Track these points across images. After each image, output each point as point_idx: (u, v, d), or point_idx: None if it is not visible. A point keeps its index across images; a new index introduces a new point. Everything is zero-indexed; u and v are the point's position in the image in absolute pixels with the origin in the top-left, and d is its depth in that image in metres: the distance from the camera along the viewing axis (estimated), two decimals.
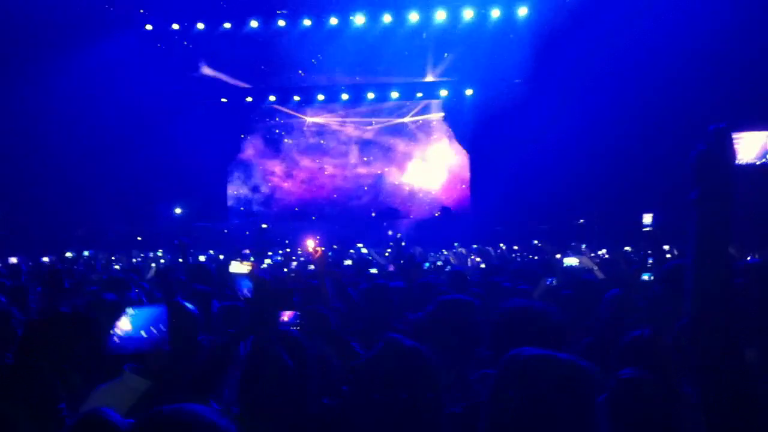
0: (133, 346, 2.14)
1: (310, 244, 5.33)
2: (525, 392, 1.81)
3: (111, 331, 2.10)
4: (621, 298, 4.34)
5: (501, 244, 18.42)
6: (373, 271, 9.40)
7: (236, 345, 3.13)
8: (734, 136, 1.86)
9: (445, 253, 13.78)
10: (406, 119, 25.00)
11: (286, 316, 3.46)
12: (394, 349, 2.32)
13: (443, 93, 24.17)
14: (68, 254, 13.86)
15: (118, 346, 2.13)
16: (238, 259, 5.04)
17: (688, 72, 16.82)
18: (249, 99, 24.99)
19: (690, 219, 1.87)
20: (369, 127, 25.46)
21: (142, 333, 2.18)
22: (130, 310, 2.15)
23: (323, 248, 5.22)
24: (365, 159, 25.60)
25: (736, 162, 1.86)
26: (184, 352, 2.44)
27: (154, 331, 2.16)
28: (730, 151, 1.82)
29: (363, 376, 2.27)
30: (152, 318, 2.17)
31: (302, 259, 12.46)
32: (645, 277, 6.18)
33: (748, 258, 8.61)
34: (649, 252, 9.18)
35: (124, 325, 2.16)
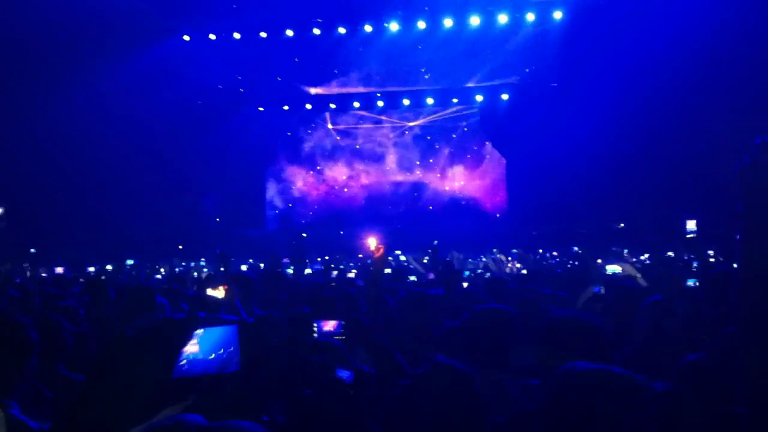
0: (200, 368, 2.16)
1: (372, 242, 4.85)
2: (581, 407, 1.81)
3: (180, 353, 2.11)
4: (660, 304, 4.26)
5: (539, 250, 18.31)
6: (412, 278, 9.38)
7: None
8: None
9: (484, 259, 13.69)
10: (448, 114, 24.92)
11: (330, 325, 3.46)
12: (443, 371, 2.32)
13: (479, 98, 24.08)
14: (108, 267, 14.10)
15: (186, 369, 2.15)
16: (211, 285, 4.80)
17: (733, 77, 16.57)
18: (286, 107, 25.20)
19: (736, 229, 1.87)
20: (408, 132, 25.53)
21: (212, 355, 2.19)
22: (200, 331, 2.17)
23: (384, 246, 4.79)
24: (404, 165, 25.67)
25: None
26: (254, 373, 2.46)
27: (223, 353, 2.18)
28: None
29: (411, 397, 2.27)
30: (223, 338, 2.18)
31: (341, 267, 12.51)
32: (690, 282, 6.09)
33: None
34: (693, 257, 9.04)
35: (193, 346, 2.18)
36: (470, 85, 23.61)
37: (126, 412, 1.67)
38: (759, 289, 1.81)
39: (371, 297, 4.52)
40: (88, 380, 1.72)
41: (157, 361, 1.89)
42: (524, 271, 10.12)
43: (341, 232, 22.19)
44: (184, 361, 2.10)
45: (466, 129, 25.38)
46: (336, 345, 3.03)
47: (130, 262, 14.75)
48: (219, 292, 4.42)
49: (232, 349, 2.14)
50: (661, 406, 2.55)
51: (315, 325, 3.39)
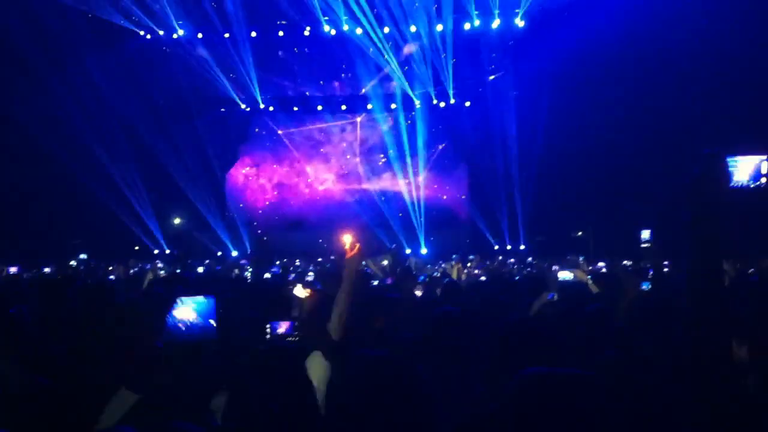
0: (185, 334, 2.18)
1: (348, 239, 4.21)
2: (539, 407, 1.85)
3: (164, 321, 2.12)
4: (602, 311, 4.34)
5: (499, 257, 18.50)
6: (375, 283, 9.37)
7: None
8: (729, 159, 1.92)
9: (443, 264, 13.78)
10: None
11: (282, 327, 3.43)
12: (364, 364, 2.29)
13: (442, 105, 24.24)
14: (72, 262, 13.85)
15: (172, 334, 2.16)
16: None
17: (687, 92, 17.00)
18: (245, 107, 25.04)
19: (684, 238, 1.92)
20: (371, 137, 25.56)
21: (194, 321, 2.21)
22: (181, 300, 2.17)
23: (359, 246, 4.21)
24: (363, 168, 25.67)
25: (731, 185, 1.91)
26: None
27: (203, 323, 2.20)
28: (722, 175, 1.87)
29: (340, 397, 2.25)
30: (202, 310, 2.20)
31: (300, 270, 12.46)
32: (644, 287, 6.19)
33: (749, 271, 8.65)
34: (648, 266, 9.19)
35: (177, 313, 2.19)
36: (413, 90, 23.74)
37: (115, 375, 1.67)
38: (706, 294, 1.86)
39: (340, 300, 4.11)
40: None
41: (145, 326, 1.91)
42: (483, 278, 10.20)
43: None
44: (170, 328, 2.15)
45: (441, 147, 25.46)
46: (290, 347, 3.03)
47: (83, 256, 14.45)
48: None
49: (210, 320, 2.17)
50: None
51: (268, 326, 3.37)
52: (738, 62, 16.05)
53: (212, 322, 2.17)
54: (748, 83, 15.94)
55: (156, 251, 21.89)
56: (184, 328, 2.20)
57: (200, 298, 2.17)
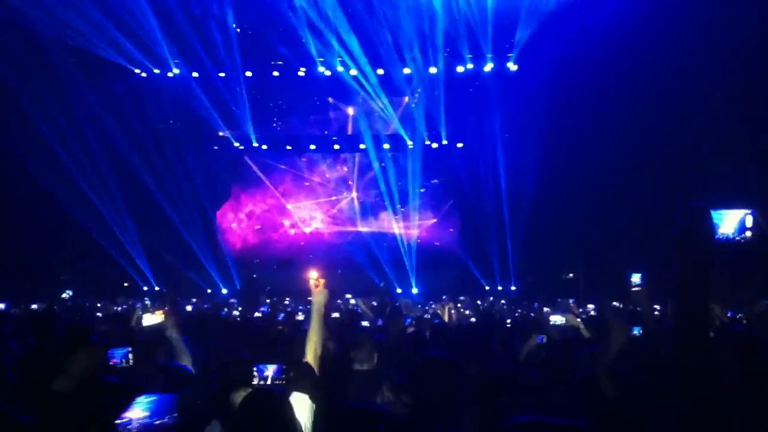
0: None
1: (313, 275, 4.29)
2: None
3: (120, 418, 2.07)
4: (595, 356, 4.31)
5: (490, 297, 18.46)
6: (365, 323, 9.29)
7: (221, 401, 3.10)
8: (714, 213, 1.95)
9: (434, 306, 13.73)
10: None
11: (270, 370, 3.38)
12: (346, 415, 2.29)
13: (434, 145, 24.41)
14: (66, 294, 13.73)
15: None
16: (151, 310, 4.66)
17: (676, 141, 17.25)
18: (239, 145, 25.14)
19: (672, 287, 1.94)
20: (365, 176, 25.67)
21: (153, 421, 2.16)
22: (141, 398, 2.13)
23: (324, 281, 4.30)
24: (354, 207, 25.70)
25: (715, 237, 1.94)
26: None
27: (160, 422, 2.14)
28: (708, 227, 1.90)
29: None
30: (162, 407, 2.15)
31: (289, 309, 12.37)
32: (635, 331, 6.17)
33: (738, 316, 8.67)
34: (638, 309, 9.20)
35: (134, 413, 2.14)
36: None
37: None
38: (691, 342, 1.87)
39: (311, 338, 4.16)
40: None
41: (95, 426, 1.86)
42: (473, 319, 10.16)
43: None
44: (127, 427, 2.07)
45: (434, 183, 25.57)
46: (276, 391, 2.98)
47: (68, 293, 14.33)
48: (156, 317, 4.25)
49: (167, 419, 2.11)
50: None
51: (255, 369, 3.32)
52: (727, 116, 16.32)
53: (167, 420, 2.14)
54: (737, 137, 16.22)
55: (145, 288, 21.74)
56: (139, 428, 2.16)
57: (160, 397, 2.14)
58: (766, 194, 14.36)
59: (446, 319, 10.43)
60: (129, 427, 2.08)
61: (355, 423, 2.19)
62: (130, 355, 3.83)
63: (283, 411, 2.72)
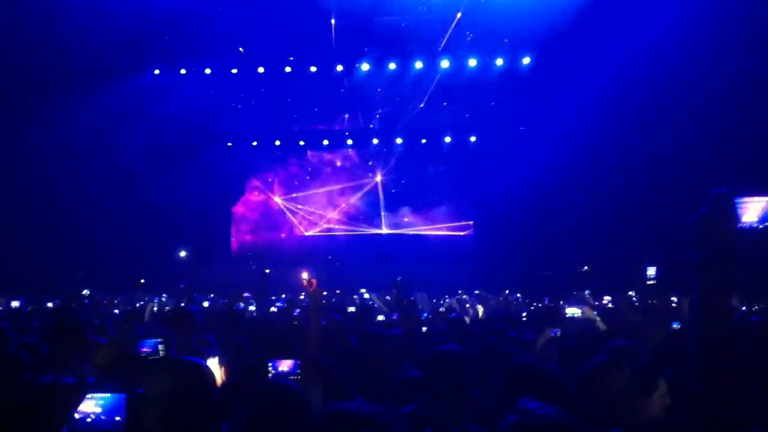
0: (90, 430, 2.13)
1: (305, 276, 4.89)
2: None
3: (68, 418, 2.07)
4: (620, 349, 4.26)
5: (506, 290, 18.40)
6: (381, 318, 9.30)
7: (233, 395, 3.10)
8: (736, 200, 1.92)
9: (448, 300, 13.72)
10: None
11: (285, 365, 3.38)
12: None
13: (447, 140, 24.37)
14: (85, 292, 13.77)
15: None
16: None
17: (696, 130, 17.10)
18: (254, 143, 25.24)
19: (694, 278, 1.91)
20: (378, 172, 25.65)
21: (100, 420, 2.16)
22: (88, 396, 2.13)
23: (316, 281, 4.85)
24: (369, 203, 25.71)
25: (738, 226, 1.91)
26: None
27: (110, 421, 2.14)
28: (731, 216, 1.87)
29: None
30: (111, 406, 2.15)
31: (305, 304, 12.41)
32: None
33: (754, 308, 8.59)
34: (655, 302, 9.15)
35: (82, 411, 2.14)
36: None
37: None
38: (714, 330, 1.85)
39: (316, 334, 4.47)
40: None
41: (42, 427, 1.87)
42: (481, 314, 10.13)
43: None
44: (73, 427, 2.07)
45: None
46: (293, 385, 2.98)
47: (86, 291, 14.39)
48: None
49: (118, 418, 2.10)
50: None
51: (270, 364, 3.32)
52: (749, 100, 16.12)
53: (118, 419, 2.13)
54: (758, 123, 16.03)
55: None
56: (87, 425, 2.15)
57: (108, 395, 2.13)
58: None
59: (461, 310, 10.43)
60: (77, 426, 2.08)
61: (341, 426, 2.19)
62: (161, 346, 3.84)
63: (298, 406, 2.72)
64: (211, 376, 2.61)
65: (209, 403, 2.57)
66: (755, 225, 2.10)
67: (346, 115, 24.18)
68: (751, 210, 2.09)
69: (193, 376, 2.58)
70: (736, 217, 1.90)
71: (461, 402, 3.27)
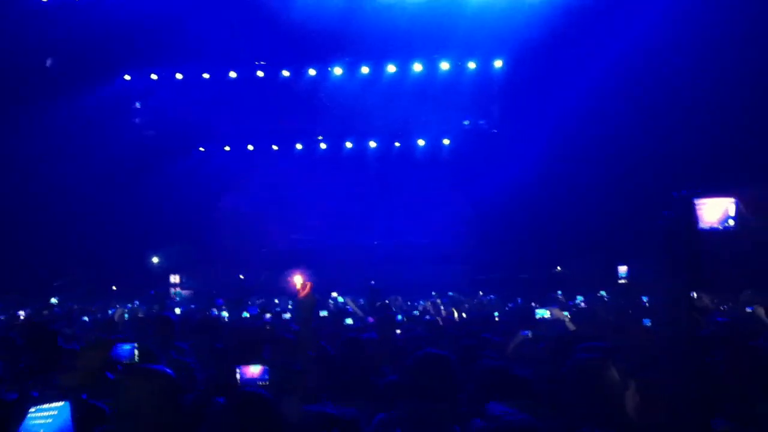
0: None
1: (298, 279, 4.55)
2: None
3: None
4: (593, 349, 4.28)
5: (480, 292, 18.48)
6: (349, 321, 9.27)
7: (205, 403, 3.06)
8: (697, 202, 1.94)
9: (422, 303, 13.75)
10: None
11: (253, 371, 3.33)
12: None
13: (421, 142, 24.41)
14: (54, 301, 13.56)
15: None
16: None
17: (665, 133, 17.41)
18: (227, 148, 25.09)
19: (660, 277, 1.93)
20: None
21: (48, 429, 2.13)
22: (32, 410, 2.10)
23: (311, 284, 4.42)
24: (344, 206, 25.60)
25: (700, 227, 1.93)
26: None
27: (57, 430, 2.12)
28: (693, 218, 1.90)
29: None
30: (57, 416, 2.12)
31: (278, 309, 12.33)
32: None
33: (721, 308, 8.71)
34: (626, 302, 9.25)
35: (27, 427, 2.11)
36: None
37: None
38: (680, 329, 1.87)
39: (301, 341, 4.30)
40: None
41: None
42: (456, 317, 10.16)
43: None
44: None
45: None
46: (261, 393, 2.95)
47: (54, 301, 14.20)
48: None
49: (64, 427, 2.08)
50: None
51: (237, 370, 3.28)
52: (709, 103, 16.45)
53: (65, 428, 2.12)
54: (719, 124, 16.35)
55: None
56: None
57: (53, 405, 2.11)
58: (748, 182, 14.52)
59: (436, 313, 10.45)
60: None
61: (311, 428, 2.17)
62: (136, 351, 3.79)
63: (267, 413, 2.69)
64: (178, 384, 2.58)
65: (178, 411, 2.54)
66: (716, 226, 2.13)
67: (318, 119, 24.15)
68: (711, 211, 2.11)
69: (162, 384, 2.55)
70: (696, 219, 1.93)
71: (446, 405, 3.25)
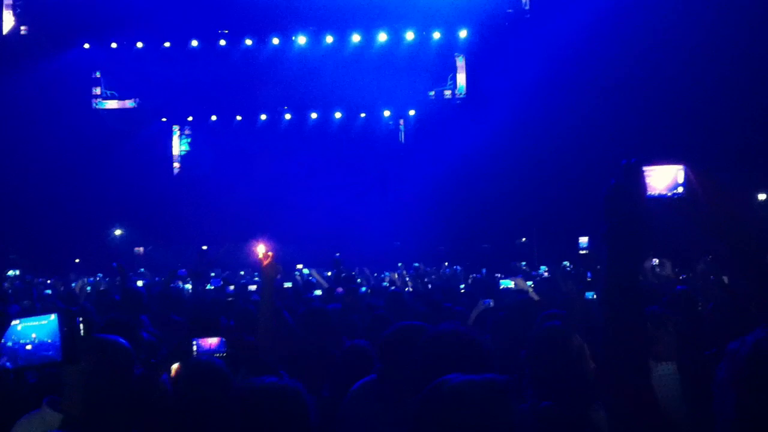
0: (22, 360, 2.10)
1: (261, 249, 4.37)
2: (447, 423, 1.80)
3: None
4: (554, 317, 4.31)
5: (445, 263, 18.59)
6: (318, 292, 9.27)
7: (158, 376, 3.04)
8: (646, 169, 1.94)
9: (388, 274, 13.78)
10: None
11: (210, 343, 3.31)
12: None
13: (386, 113, 24.34)
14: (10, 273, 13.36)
15: (6, 361, 2.08)
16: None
17: (619, 104, 17.70)
18: (189, 118, 24.78)
19: (602, 249, 1.93)
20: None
21: (30, 347, 2.12)
22: (16, 322, 2.09)
23: (273, 254, 4.34)
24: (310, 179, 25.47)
25: (648, 194, 1.94)
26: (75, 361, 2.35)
27: (44, 344, 2.11)
28: (639, 185, 1.90)
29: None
30: (44, 330, 2.11)
31: (243, 282, 12.27)
32: (589, 295, 6.20)
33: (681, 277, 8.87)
34: (586, 271, 9.36)
35: (12, 338, 2.10)
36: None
37: None
38: (622, 301, 1.87)
39: (263, 312, 4.31)
40: None
41: None
42: (409, 288, 10.24)
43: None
44: (3, 354, 2.05)
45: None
46: (215, 362, 2.94)
47: (12, 273, 13.97)
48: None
49: (51, 340, 2.08)
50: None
51: (194, 343, 3.26)
52: (660, 73, 16.78)
53: (52, 342, 2.11)
54: (668, 93, 16.69)
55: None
56: (18, 353, 2.12)
57: (41, 318, 2.10)
58: (697, 149, 14.96)
59: (402, 284, 10.52)
60: (16, 354, 2.04)
61: (254, 400, 2.16)
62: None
63: (220, 382, 2.70)
64: (129, 354, 2.58)
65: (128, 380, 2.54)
66: (665, 194, 2.13)
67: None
68: (659, 179, 2.11)
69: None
70: (643, 187, 1.93)
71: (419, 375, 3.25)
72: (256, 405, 2.11)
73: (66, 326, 2.08)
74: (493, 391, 1.79)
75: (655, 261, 9.02)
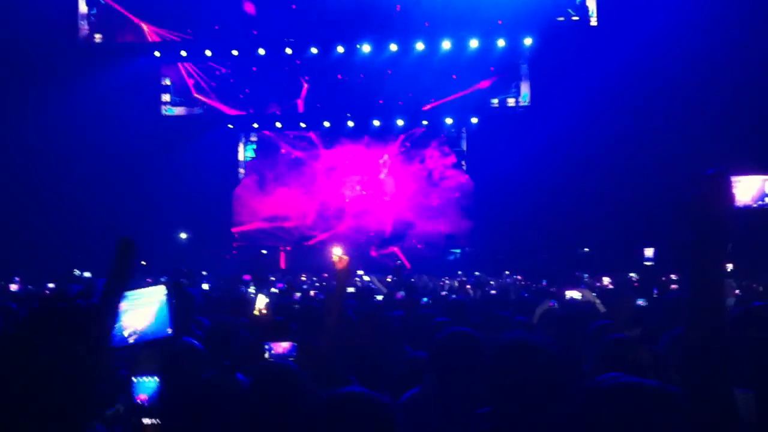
0: (135, 337, 2.15)
1: (337, 251, 4.39)
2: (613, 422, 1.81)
3: (113, 325, 2.06)
4: (607, 328, 4.24)
5: (506, 272, 18.42)
6: (379, 297, 9.31)
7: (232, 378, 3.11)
8: (732, 180, 1.89)
9: (447, 281, 13.75)
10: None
11: (281, 347, 3.37)
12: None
13: (449, 121, 24.23)
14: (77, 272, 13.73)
15: (120, 339, 2.12)
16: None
17: (691, 113, 17.21)
18: (255, 125, 25.18)
19: (687, 260, 1.89)
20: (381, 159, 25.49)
21: (144, 323, 2.17)
22: (129, 294, 2.11)
23: (348, 259, 4.34)
24: (362, 186, 25.56)
25: (734, 205, 1.88)
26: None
27: (154, 320, 2.16)
28: (725, 196, 1.84)
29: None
30: (154, 306, 2.16)
31: (305, 287, 12.41)
32: (640, 302, 6.13)
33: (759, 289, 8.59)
34: (652, 284, 9.18)
35: (127, 315, 2.14)
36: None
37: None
38: (707, 315, 1.83)
39: (329, 315, 4.28)
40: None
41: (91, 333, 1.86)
42: (471, 293, 10.17)
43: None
44: (121, 331, 2.09)
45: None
46: (290, 366, 2.98)
47: (77, 272, 14.33)
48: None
49: (162, 316, 2.12)
50: None
51: (266, 346, 3.33)
52: (742, 82, 16.26)
53: (163, 318, 2.13)
54: (752, 103, 16.15)
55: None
56: (136, 331, 2.16)
57: (150, 292, 2.13)
58: None
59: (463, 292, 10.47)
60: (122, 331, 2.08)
61: (341, 410, 2.12)
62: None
63: (294, 387, 2.73)
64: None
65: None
66: (750, 204, 2.08)
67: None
68: (745, 189, 2.07)
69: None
70: (730, 198, 1.87)
71: (471, 383, 3.24)
72: (345, 415, 2.06)
73: (177, 300, 2.13)
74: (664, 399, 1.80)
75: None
